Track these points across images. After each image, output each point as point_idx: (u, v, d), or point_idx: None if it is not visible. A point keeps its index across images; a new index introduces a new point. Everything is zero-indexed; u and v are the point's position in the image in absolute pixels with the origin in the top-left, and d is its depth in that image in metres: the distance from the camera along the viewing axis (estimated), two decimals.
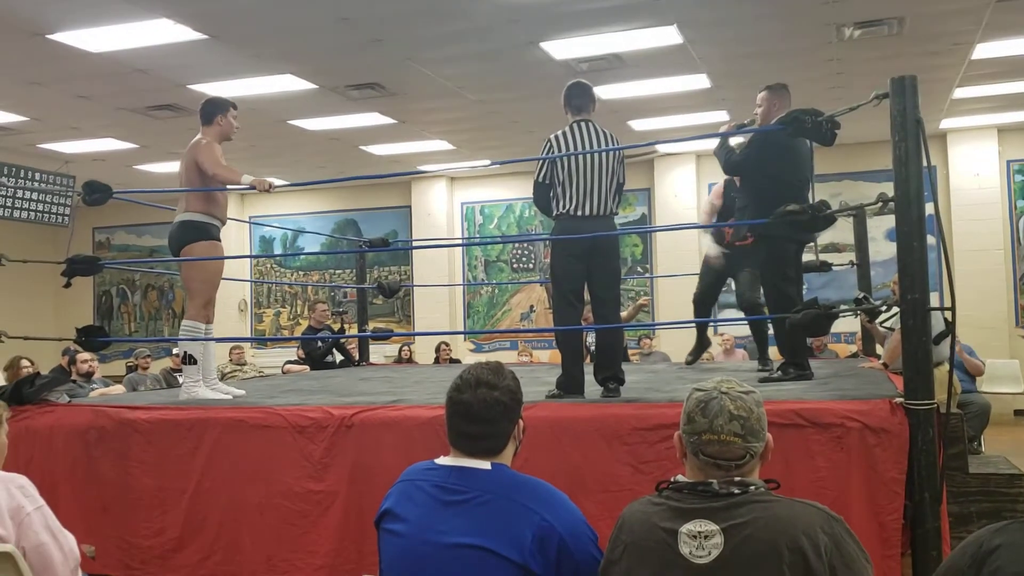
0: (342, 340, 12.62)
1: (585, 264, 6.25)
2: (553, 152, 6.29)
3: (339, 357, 12.63)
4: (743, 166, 7.01)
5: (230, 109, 7.29)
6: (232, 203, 20.89)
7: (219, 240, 7.12)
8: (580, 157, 6.23)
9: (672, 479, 2.84)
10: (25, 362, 11.27)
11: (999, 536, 2.32)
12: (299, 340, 14.43)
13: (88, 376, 11.36)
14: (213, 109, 7.25)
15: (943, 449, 4.70)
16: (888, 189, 4.93)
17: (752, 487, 2.72)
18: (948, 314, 5.93)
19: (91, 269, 6.90)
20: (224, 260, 7.28)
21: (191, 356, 6.94)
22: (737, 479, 2.73)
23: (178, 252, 7.00)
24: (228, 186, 7.02)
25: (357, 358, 11.97)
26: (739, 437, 2.74)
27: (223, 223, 7.21)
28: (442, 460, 3.14)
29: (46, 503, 3.48)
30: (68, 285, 6.74)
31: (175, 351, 14.42)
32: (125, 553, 5.82)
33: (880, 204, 5.11)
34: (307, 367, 12.83)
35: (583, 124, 6.41)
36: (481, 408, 3.08)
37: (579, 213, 6.23)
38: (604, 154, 6.28)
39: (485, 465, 3.06)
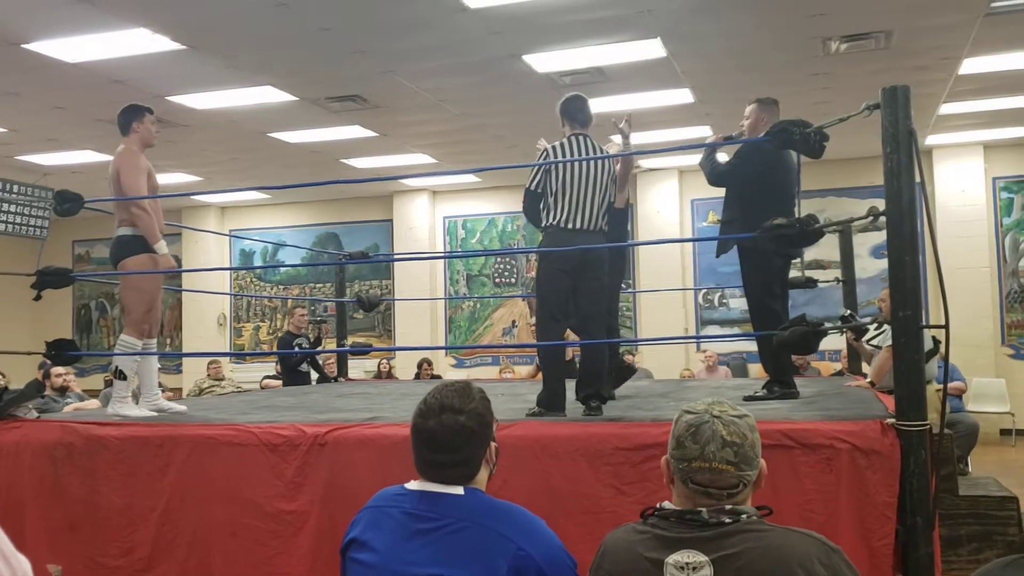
0: (319, 356, 12.46)
1: (572, 279, 6.15)
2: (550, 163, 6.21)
3: (315, 374, 12.48)
4: (729, 177, 6.90)
5: (146, 114, 7.11)
6: (212, 216, 20.90)
7: (156, 253, 6.86)
8: (575, 171, 6.18)
9: (658, 506, 2.68)
10: None
11: (1011, 570, 2.18)
12: (274, 354, 14.27)
13: (62, 391, 11.19)
14: (128, 117, 7.07)
15: (935, 471, 4.58)
16: (869, 206, 4.83)
17: (744, 515, 2.56)
18: (937, 332, 5.82)
19: (62, 281, 6.77)
20: (160, 275, 7.08)
21: (121, 372, 6.79)
22: (728, 507, 2.57)
23: (115, 268, 6.89)
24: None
25: (335, 374, 11.80)
26: (732, 465, 2.58)
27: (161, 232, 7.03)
28: (412, 485, 2.96)
29: (2, 524, 3.31)
30: (39, 297, 6.62)
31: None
32: (93, 573, 5.68)
33: (870, 219, 4.98)
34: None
35: (581, 138, 6.37)
36: (446, 436, 2.89)
37: (569, 226, 6.16)
38: (598, 170, 6.24)
39: (458, 490, 2.88)
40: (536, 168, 6.30)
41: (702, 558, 2.49)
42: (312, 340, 12.79)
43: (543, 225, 6.29)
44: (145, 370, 7.10)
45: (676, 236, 18.27)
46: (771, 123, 6.81)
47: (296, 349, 12.41)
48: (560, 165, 6.17)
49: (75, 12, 9.29)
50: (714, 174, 6.99)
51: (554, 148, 6.31)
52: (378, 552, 2.85)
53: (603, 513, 4.71)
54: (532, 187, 6.33)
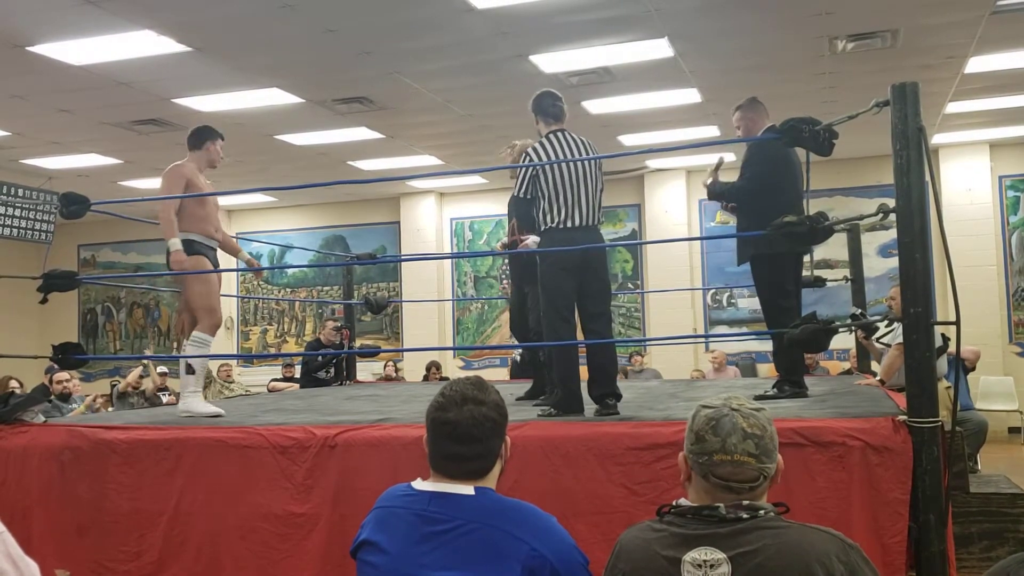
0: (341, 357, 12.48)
1: (576, 278, 6.09)
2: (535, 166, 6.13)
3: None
4: (748, 188, 6.82)
5: (219, 139, 7.31)
6: (219, 219, 20.90)
7: (205, 256, 7.12)
8: (565, 168, 6.08)
9: (674, 503, 2.65)
10: (14, 383, 11.08)
11: None
12: (281, 356, 14.26)
13: (65, 397, 11.09)
14: (204, 136, 7.25)
15: (947, 468, 4.55)
16: (879, 203, 4.81)
17: (761, 511, 2.54)
18: (946, 329, 5.80)
19: (68, 285, 6.74)
20: (218, 276, 7.15)
21: (190, 366, 6.81)
22: (745, 503, 2.55)
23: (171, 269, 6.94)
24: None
25: (344, 376, 11.80)
26: (753, 457, 2.55)
27: (214, 239, 7.30)
28: (420, 485, 2.92)
29: (9, 529, 3.28)
30: (44, 301, 6.60)
31: (160, 368, 14.25)
32: None
33: (879, 216, 4.94)
34: (294, 385, 12.67)
35: (560, 134, 6.27)
36: (470, 426, 2.84)
37: (569, 225, 6.08)
38: (589, 163, 6.15)
39: (468, 490, 2.83)
40: (523, 174, 6.21)
41: (720, 555, 2.46)
42: (336, 348, 12.79)
43: (542, 229, 6.22)
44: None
45: (684, 236, 18.25)
46: (761, 120, 6.85)
47: (318, 353, 12.46)
48: (548, 166, 6.09)
49: (80, 14, 9.29)
50: (732, 193, 6.94)
51: (535, 149, 6.22)
52: (389, 554, 2.81)
53: (615, 513, 4.67)
54: (521, 194, 6.24)
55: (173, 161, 7.10)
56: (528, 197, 6.22)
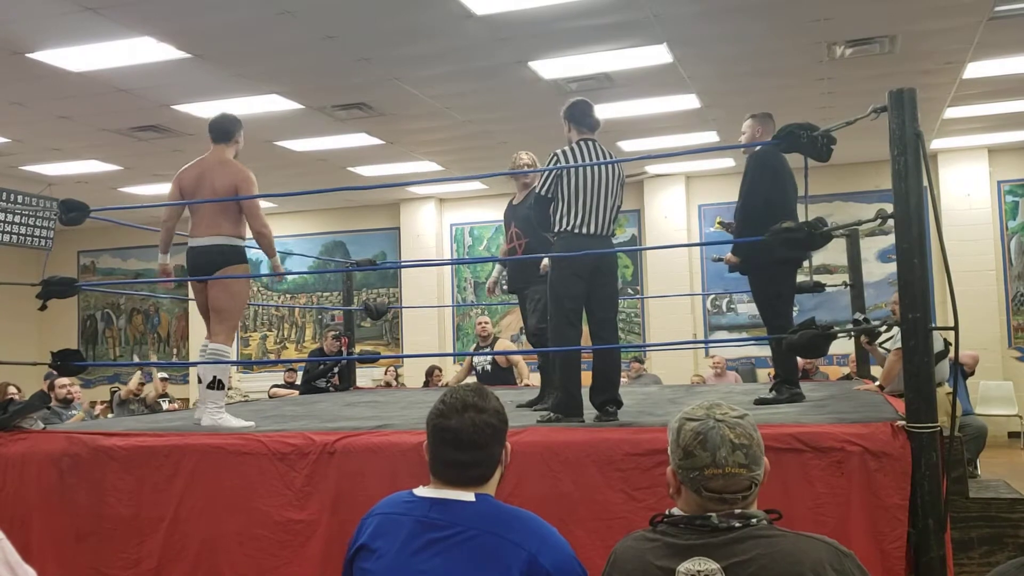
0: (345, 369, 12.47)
1: (586, 284, 6.12)
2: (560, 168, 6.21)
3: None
4: (751, 205, 6.85)
5: (241, 128, 7.09)
6: None
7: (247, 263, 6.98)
8: (586, 176, 6.17)
9: (667, 512, 2.64)
10: (12, 389, 11.08)
11: None
12: (282, 362, 14.24)
13: (67, 402, 11.15)
14: (236, 126, 7.02)
15: (947, 474, 4.55)
16: (877, 209, 4.82)
17: (754, 520, 2.53)
18: (947, 334, 5.80)
19: (67, 291, 6.74)
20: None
21: (220, 381, 6.64)
22: (738, 512, 2.53)
23: (214, 272, 6.70)
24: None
25: (340, 383, 11.79)
26: (744, 467, 2.54)
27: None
28: (421, 491, 2.92)
29: (8, 536, 3.28)
30: (44, 307, 6.60)
31: (161, 374, 14.27)
32: None
33: (879, 221, 4.94)
34: (294, 392, 12.66)
35: (591, 143, 6.36)
36: (471, 433, 2.86)
37: (583, 231, 6.16)
38: (609, 175, 6.23)
39: (469, 496, 2.83)
40: (548, 173, 6.28)
41: (713, 565, 2.45)
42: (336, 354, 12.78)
43: (556, 230, 6.27)
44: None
45: (684, 241, 18.24)
46: (767, 136, 6.86)
47: (321, 366, 12.43)
48: (571, 170, 6.16)
49: (80, 21, 9.28)
50: (740, 219, 6.98)
51: (564, 153, 6.28)
52: (387, 561, 2.81)
53: (614, 519, 4.68)
54: (543, 192, 6.31)
55: (172, 167, 7.00)
56: (549, 196, 6.29)
